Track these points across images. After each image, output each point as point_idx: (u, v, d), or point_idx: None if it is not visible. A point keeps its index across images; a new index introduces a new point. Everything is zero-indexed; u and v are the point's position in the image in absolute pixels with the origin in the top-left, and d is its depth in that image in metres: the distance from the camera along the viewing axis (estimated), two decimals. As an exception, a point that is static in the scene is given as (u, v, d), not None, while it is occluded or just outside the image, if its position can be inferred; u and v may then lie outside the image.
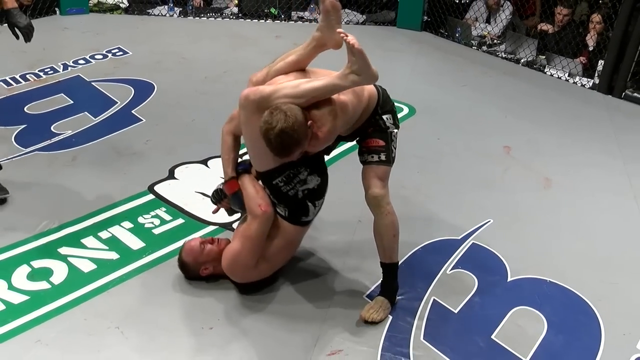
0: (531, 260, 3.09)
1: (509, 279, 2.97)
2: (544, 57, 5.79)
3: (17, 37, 3.06)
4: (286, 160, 2.45)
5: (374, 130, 2.63)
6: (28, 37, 3.04)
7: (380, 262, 2.71)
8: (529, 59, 5.83)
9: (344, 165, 3.85)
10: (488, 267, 3.03)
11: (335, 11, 2.52)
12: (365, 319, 2.63)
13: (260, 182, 2.66)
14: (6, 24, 3.00)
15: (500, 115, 4.77)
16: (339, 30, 2.43)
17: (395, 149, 2.68)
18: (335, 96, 2.45)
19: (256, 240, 2.61)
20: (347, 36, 2.35)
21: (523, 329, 2.68)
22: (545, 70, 5.69)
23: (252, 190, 2.63)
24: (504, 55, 6.01)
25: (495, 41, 6.24)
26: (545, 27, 6.03)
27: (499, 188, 3.76)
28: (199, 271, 2.75)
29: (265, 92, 2.41)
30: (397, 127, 2.70)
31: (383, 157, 2.61)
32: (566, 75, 5.56)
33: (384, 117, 2.64)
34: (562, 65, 5.59)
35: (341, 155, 3.77)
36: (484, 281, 2.93)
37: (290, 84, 2.45)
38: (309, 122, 2.38)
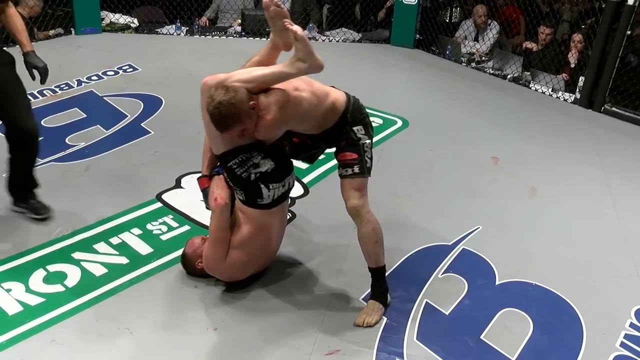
0: (518, 265, 3.10)
1: (497, 283, 2.97)
2: (529, 73, 5.83)
3: (34, 78, 3.05)
4: (229, 138, 2.46)
5: (346, 144, 2.61)
6: (44, 78, 3.03)
7: (367, 267, 2.71)
8: (515, 75, 5.87)
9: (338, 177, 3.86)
10: (477, 271, 3.03)
11: (279, 17, 2.50)
12: (359, 324, 2.62)
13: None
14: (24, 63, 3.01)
15: (489, 127, 4.79)
16: (284, 20, 2.43)
17: (370, 159, 2.64)
18: (288, 90, 2.43)
19: (215, 232, 2.62)
20: (291, 25, 2.38)
21: (510, 329, 2.68)
22: (530, 86, 5.72)
23: (214, 187, 2.64)
24: (491, 72, 6.04)
25: (483, 58, 6.28)
26: (529, 45, 6.07)
27: (487, 196, 3.77)
28: (195, 264, 2.76)
29: (221, 78, 2.44)
30: (370, 138, 2.66)
31: (357, 170, 2.60)
32: (550, 90, 5.59)
33: (355, 128, 2.61)
34: (545, 81, 5.62)
35: (335, 167, 3.77)
36: (474, 284, 2.93)
37: (243, 71, 2.49)
38: (252, 103, 2.37)
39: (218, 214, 2.61)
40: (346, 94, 2.66)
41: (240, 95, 2.34)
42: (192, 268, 2.80)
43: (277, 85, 2.45)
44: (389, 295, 2.75)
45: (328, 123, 2.61)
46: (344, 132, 2.62)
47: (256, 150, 2.53)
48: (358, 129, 2.61)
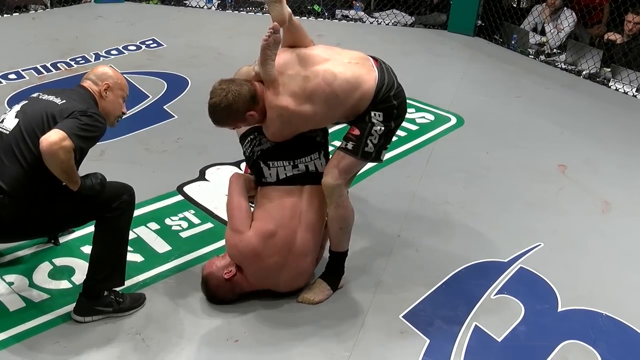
0: (585, 290, 3.04)
1: (560, 309, 2.92)
2: (609, 69, 5.70)
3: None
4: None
5: (356, 120, 2.71)
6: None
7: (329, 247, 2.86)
8: (591, 71, 5.75)
9: (381, 177, 3.86)
10: (536, 295, 2.99)
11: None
12: (301, 301, 2.79)
13: None
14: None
15: (556, 130, 4.71)
16: (270, 28, 2.59)
17: (374, 145, 2.69)
18: (292, 107, 2.61)
19: (231, 201, 2.79)
20: (268, 37, 2.56)
21: (573, 365, 2.64)
22: (610, 84, 5.60)
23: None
24: (563, 66, 5.94)
25: (555, 50, 6.17)
26: (612, 36, 5.93)
27: (551, 209, 3.71)
28: (222, 275, 2.73)
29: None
30: (388, 126, 2.70)
31: (350, 146, 2.68)
32: (634, 90, 5.46)
33: (372, 112, 2.68)
34: (630, 79, 5.49)
35: (378, 167, 3.77)
36: (532, 309, 2.89)
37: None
38: (249, 113, 2.62)
39: (230, 184, 2.83)
40: (380, 80, 2.67)
41: (236, 105, 2.60)
42: (220, 285, 2.74)
43: (299, 83, 2.61)
44: (342, 280, 2.89)
45: (348, 117, 2.72)
46: (364, 113, 2.71)
47: (261, 133, 2.79)
48: (375, 114, 2.68)
